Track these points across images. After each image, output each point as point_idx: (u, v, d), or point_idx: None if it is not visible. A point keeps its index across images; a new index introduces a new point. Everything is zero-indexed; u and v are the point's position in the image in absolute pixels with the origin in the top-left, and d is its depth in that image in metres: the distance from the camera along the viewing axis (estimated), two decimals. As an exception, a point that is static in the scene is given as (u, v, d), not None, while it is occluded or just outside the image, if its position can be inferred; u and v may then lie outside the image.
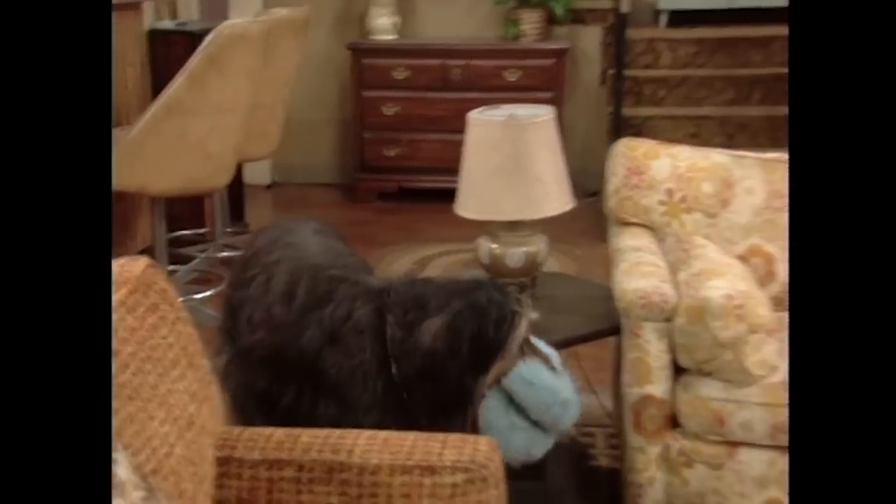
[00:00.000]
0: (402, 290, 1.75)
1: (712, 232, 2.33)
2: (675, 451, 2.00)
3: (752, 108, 4.95)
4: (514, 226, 2.28)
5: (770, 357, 1.99)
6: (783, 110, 4.89)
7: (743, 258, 2.29)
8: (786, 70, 5.03)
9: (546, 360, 1.79)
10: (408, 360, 1.69)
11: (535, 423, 1.79)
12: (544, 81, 4.91)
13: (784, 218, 2.32)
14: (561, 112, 4.95)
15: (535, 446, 1.81)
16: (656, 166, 2.38)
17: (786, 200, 2.33)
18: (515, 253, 2.26)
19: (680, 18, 5.60)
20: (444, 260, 4.16)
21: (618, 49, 4.71)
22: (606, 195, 2.45)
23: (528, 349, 1.76)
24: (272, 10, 4.05)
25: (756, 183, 2.35)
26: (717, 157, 2.40)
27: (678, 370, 2.03)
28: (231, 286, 2.03)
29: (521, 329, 1.72)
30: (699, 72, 5.12)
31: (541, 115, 2.26)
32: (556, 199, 2.24)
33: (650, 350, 2.00)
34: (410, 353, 1.69)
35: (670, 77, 5.09)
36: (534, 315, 1.75)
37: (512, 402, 1.77)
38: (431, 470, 1.36)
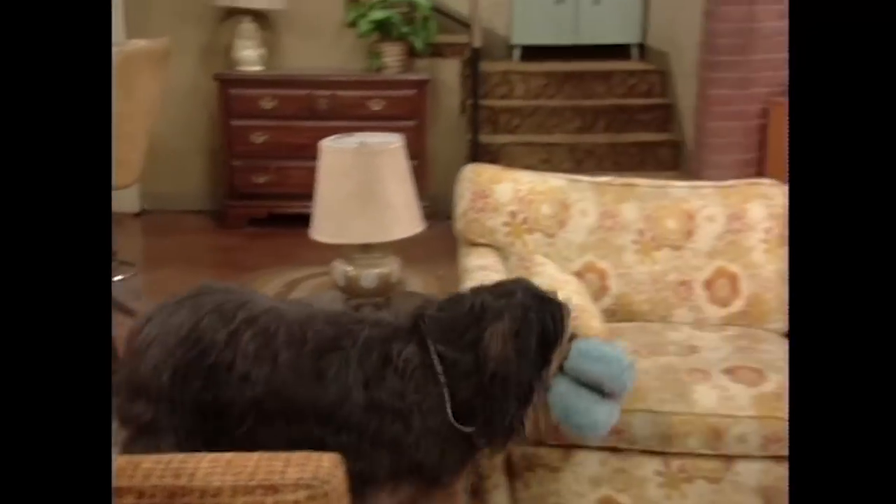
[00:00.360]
0: (440, 318, 1.70)
1: (551, 250, 2.40)
2: (518, 457, 2.04)
3: (598, 135, 5.16)
4: (367, 248, 2.28)
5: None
6: (625, 137, 5.13)
7: (579, 274, 2.38)
8: (625, 101, 5.30)
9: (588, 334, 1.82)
10: (468, 382, 1.66)
11: (606, 395, 1.78)
12: (407, 111, 4.95)
13: (615, 237, 2.43)
14: (424, 139, 5.03)
15: (614, 415, 1.80)
16: (500, 190, 2.44)
17: (617, 220, 2.44)
18: (369, 274, 2.27)
19: (532, 53, 5.79)
20: (312, 282, 4.11)
21: (474, 81, 4.81)
22: (455, 218, 2.49)
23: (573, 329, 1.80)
24: (131, 41, 3.93)
25: (589, 205, 2.44)
26: (555, 181, 2.49)
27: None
28: (193, 352, 1.73)
29: (568, 314, 1.75)
30: (550, 102, 5.29)
31: (391, 143, 2.28)
32: (406, 222, 2.26)
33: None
34: (472, 373, 1.65)
35: (524, 107, 5.24)
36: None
37: (580, 382, 1.76)
38: (274, 489, 1.33)
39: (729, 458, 1.98)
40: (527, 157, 4.99)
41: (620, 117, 5.21)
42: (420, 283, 3.91)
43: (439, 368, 1.66)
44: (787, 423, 1.93)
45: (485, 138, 5.08)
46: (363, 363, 1.65)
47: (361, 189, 2.17)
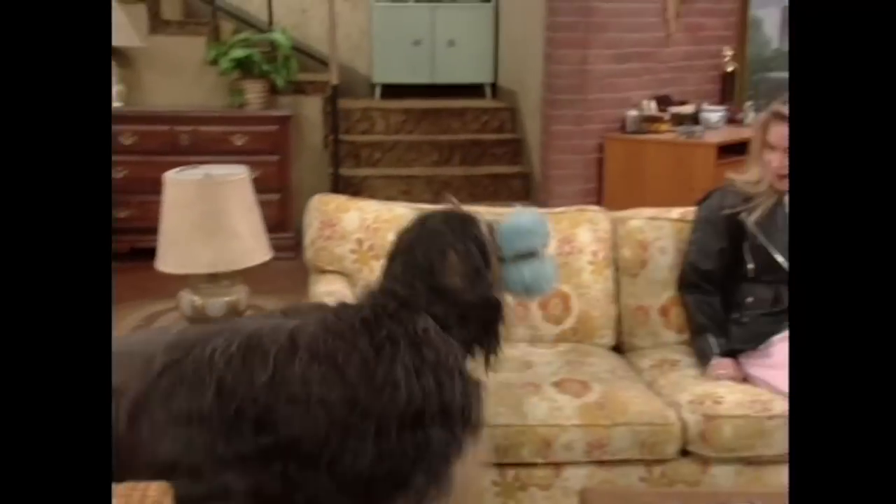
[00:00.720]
0: (402, 283, 1.70)
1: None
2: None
3: (454, 168, 5.26)
4: (215, 278, 2.22)
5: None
6: (479, 170, 5.24)
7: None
8: (479, 136, 5.44)
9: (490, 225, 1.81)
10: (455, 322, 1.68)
11: (534, 257, 1.80)
12: (270, 145, 4.88)
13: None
14: (288, 173, 4.96)
15: (551, 276, 1.84)
16: (347, 219, 2.44)
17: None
18: (216, 303, 2.20)
19: (392, 91, 5.86)
20: (174, 314, 3.96)
21: (333, 117, 4.81)
22: (305, 246, 2.46)
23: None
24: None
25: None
26: (400, 210, 2.51)
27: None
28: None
29: (482, 227, 1.76)
30: (409, 137, 5.36)
31: (236, 175, 2.24)
32: (253, 251, 2.22)
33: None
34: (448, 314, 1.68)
35: (384, 141, 5.28)
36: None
37: (521, 258, 1.78)
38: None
39: (558, 465, 2.04)
40: (387, 188, 5.02)
41: (474, 151, 5.33)
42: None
43: (433, 324, 1.67)
44: (608, 430, 2.02)
45: (347, 171, 5.08)
46: (405, 355, 1.62)
47: (206, 219, 2.12)
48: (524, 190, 5.15)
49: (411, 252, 1.74)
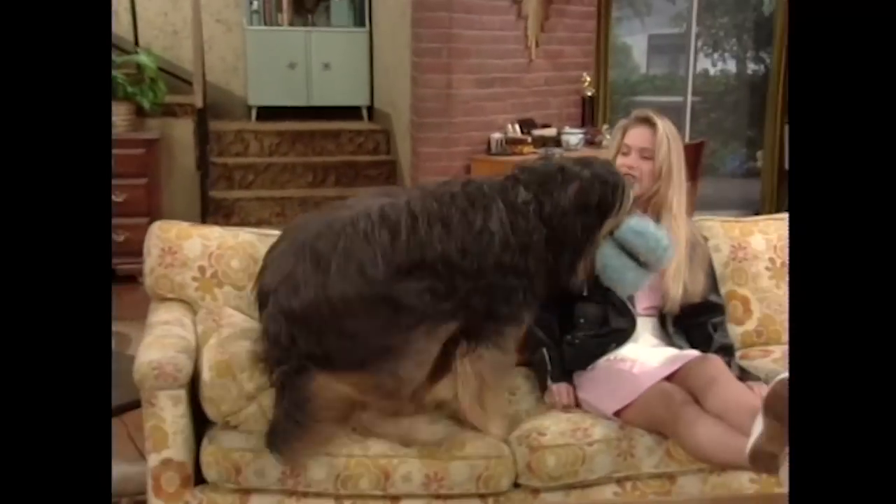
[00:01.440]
0: (534, 169, 2.01)
1: (241, 303, 2.31)
2: (197, 507, 1.92)
3: (328, 189, 5.17)
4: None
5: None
6: (353, 191, 5.17)
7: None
8: (354, 158, 5.37)
9: (648, 217, 2.08)
10: (553, 220, 1.94)
11: (641, 264, 2.03)
12: (137, 168, 4.65)
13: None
14: (157, 197, 4.75)
15: (641, 280, 2.08)
16: (188, 246, 2.32)
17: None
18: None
19: (269, 113, 5.73)
20: None
21: (200, 139, 4.64)
22: (145, 274, 2.33)
23: (635, 209, 2.08)
24: None
25: (279, 256, 2.39)
26: (245, 236, 2.41)
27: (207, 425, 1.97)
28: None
29: (630, 193, 2.03)
30: (283, 159, 5.24)
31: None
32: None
33: (166, 417, 1.91)
34: (555, 215, 1.93)
35: (257, 163, 5.14)
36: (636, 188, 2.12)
37: (623, 248, 2.02)
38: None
39: (395, 498, 1.98)
40: (260, 211, 4.89)
41: (349, 172, 5.27)
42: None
43: (535, 208, 1.93)
44: (446, 463, 1.98)
45: (219, 194, 4.91)
46: (507, 211, 1.92)
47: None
48: (397, 210, 5.13)
49: (547, 164, 2.02)
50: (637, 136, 2.23)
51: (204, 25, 5.45)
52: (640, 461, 2.04)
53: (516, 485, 2.04)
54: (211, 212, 4.75)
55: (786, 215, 2.68)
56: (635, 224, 2.03)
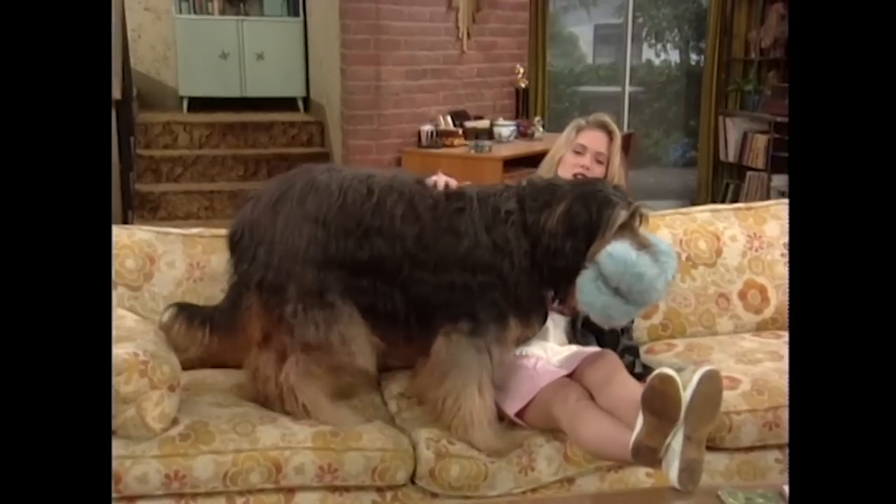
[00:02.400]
0: (533, 184, 1.99)
1: (136, 304, 2.26)
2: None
3: (260, 182, 5.08)
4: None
5: (169, 410, 1.95)
6: (285, 184, 5.11)
7: (168, 324, 2.25)
8: (286, 150, 5.29)
9: (643, 243, 1.86)
10: (541, 239, 1.89)
11: (617, 292, 1.84)
12: (58, 162, 4.54)
13: (205, 287, 2.32)
14: (80, 190, 4.63)
15: (614, 311, 1.87)
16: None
17: (205, 271, 2.34)
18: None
19: (203, 104, 5.62)
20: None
21: (119, 132, 4.53)
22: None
23: (628, 233, 1.88)
24: None
25: (177, 256, 2.33)
26: (141, 235, 2.34)
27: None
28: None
29: (617, 215, 1.87)
30: (213, 152, 5.15)
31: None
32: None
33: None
34: (541, 234, 1.89)
35: (186, 156, 5.04)
36: (637, 206, 1.92)
37: (601, 273, 1.85)
38: None
39: (290, 491, 1.96)
40: (188, 205, 4.80)
41: (282, 165, 5.17)
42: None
43: (529, 220, 1.91)
44: (340, 455, 1.96)
45: (145, 187, 4.81)
46: (483, 216, 1.92)
47: None
48: (330, 203, 5.08)
49: (542, 181, 2.01)
50: (594, 140, 2.27)
51: (131, 13, 5.33)
52: (541, 473, 2.03)
53: (413, 482, 2.03)
54: (136, 206, 4.65)
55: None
56: (614, 249, 1.85)
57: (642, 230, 1.94)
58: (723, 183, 6.26)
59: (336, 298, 1.92)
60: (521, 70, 5.15)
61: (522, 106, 5.18)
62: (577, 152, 2.27)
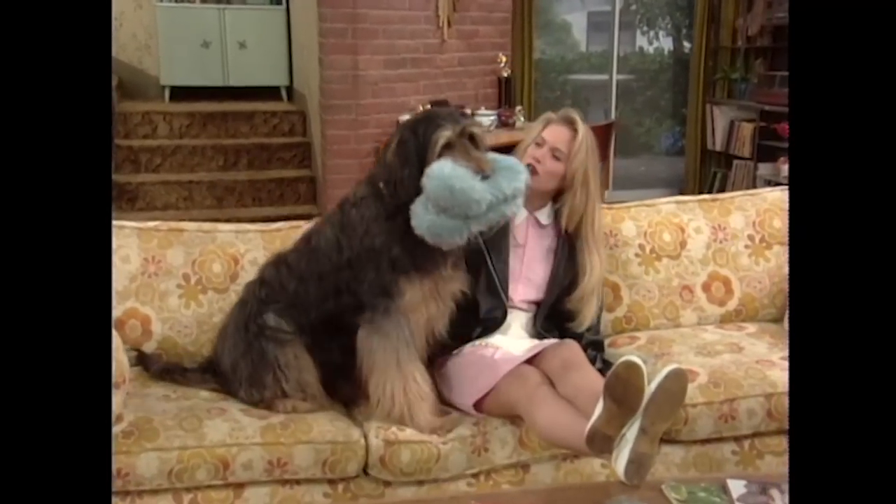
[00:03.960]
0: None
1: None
2: None
3: (240, 172, 5.09)
4: None
5: (118, 406, 1.94)
6: (266, 174, 5.10)
7: (120, 322, 2.23)
8: (268, 140, 5.26)
9: (469, 159, 1.87)
10: (386, 188, 1.94)
11: (441, 210, 1.85)
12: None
13: (159, 282, 2.32)
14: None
15: (439, 228, 1.87)
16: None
17: (160, 265, 2.33)
18: None
19: (184, 93, 5.60)
20: None
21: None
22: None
23: (457, 152, 1.88)
24: None
25: (132, 251, 2.31)
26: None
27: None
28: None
29: (439, 136, 1.87)
30: (193, 142, 5.13)
31: None
32: None
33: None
34: (385, 181, 1.93)
35: (165, 146, 5.03)
36: (465, 124, 1.92)
37: (426, 194, 1.86)
38: None
39: (239, 486, 1.96)
40: (166, 195, 4.79)
41: (262, 155, 5.18)
42: None
43: (368, 186, 1.98)
44: (290, 448, 1.96)
45: (123, 178, 4.80)
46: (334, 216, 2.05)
47: None
48: (311, 194, 5.06)
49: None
50: (555, 134, 2.20)
51: (114, 1, 5.31)
52: (494, 455, 2.04)
53: (365, 472, 2.03)
54: (115, 197, 4.64)
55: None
56: (432, 167, 1.86)
57: (479, 150, 1.94)
58: (710, 171, 6.24)
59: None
60: (504, 58, 5.12)
61: (505, 95, 5.15)
62: (537, 144, 2.22)
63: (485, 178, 1.87)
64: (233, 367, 2.10)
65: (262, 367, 2.05)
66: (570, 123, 2.22)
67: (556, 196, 2.25)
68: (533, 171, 2.13)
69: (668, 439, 2.11)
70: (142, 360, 2.24)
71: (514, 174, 1.94)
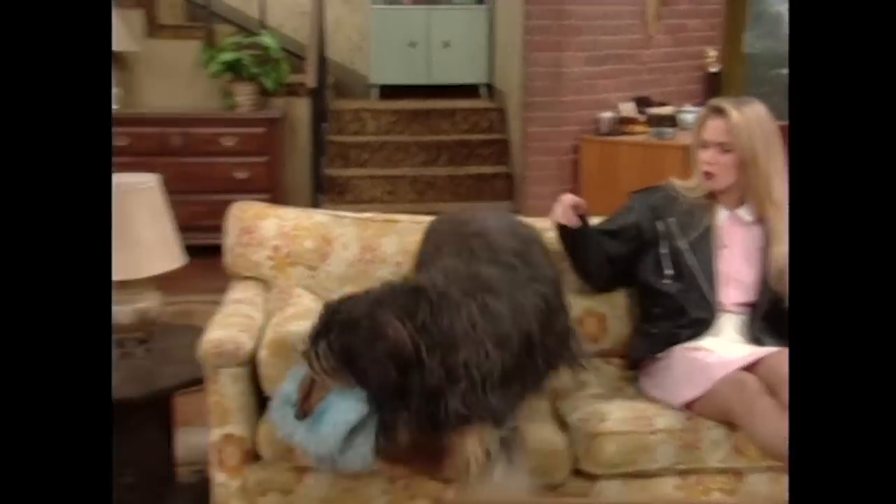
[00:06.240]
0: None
1: (312, 283, 2.36)
2: (253, 483, 1.98)
3: (439, 168, 5.18)
4: (125, 285, 2.20)
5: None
6: (464, 170, 5.16)
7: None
8: (467, 136, 5.31)
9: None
10: None
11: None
12: (260, 146, 4.87)
13: (374, 269, 2.38)
14: (277, 174, 4.94)
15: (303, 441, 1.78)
16: (265, 225, 2.39)
17: (376, 254, 2.40)
18: (124, 310, 2.18)
19: (390, 92, 5.80)
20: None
21: (313, 119, 4.77)
22: (224, 252, 2.42)
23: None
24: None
25: (351, 239, 2.41)
26: (319, 217, 2.44)
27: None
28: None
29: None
30: (397, 138, 5.29)
31: (142, 183, 2.21)
32: (159, 259, 2.19)
33: (226, 393, 1.97)
34: None
35: (373, 142, 5.22)
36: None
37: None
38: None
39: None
40: (372, 189, 4.98)
41: (462, 151, 5.24)
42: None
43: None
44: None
45: (334, 172, 5.04)
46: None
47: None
48: (507, 190, 5.05)
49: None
50: (712, 130, 2.12)
51: (331, 6, 5.60)
52: (705, 454, 1.96)
53: (577, 472, 1.98)
54: (325, 189, 4.89)
55: None
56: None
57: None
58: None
59: None
60: (712, 53, 4.82)
61: (713, 91, 4.85)
62: (703, 147, 2.14)
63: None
64: None
65: None
66: (720, 112, 2.10)
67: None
68: (709, 175, 2.11)
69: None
70: None
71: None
